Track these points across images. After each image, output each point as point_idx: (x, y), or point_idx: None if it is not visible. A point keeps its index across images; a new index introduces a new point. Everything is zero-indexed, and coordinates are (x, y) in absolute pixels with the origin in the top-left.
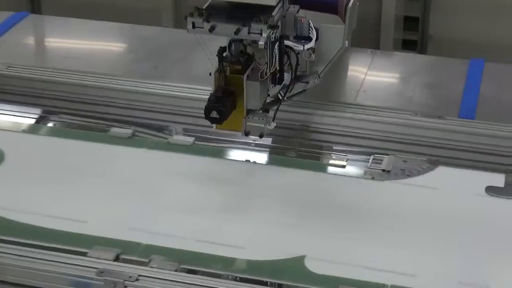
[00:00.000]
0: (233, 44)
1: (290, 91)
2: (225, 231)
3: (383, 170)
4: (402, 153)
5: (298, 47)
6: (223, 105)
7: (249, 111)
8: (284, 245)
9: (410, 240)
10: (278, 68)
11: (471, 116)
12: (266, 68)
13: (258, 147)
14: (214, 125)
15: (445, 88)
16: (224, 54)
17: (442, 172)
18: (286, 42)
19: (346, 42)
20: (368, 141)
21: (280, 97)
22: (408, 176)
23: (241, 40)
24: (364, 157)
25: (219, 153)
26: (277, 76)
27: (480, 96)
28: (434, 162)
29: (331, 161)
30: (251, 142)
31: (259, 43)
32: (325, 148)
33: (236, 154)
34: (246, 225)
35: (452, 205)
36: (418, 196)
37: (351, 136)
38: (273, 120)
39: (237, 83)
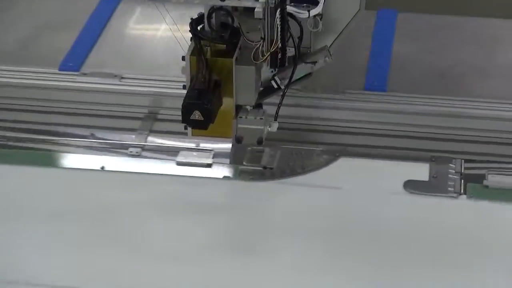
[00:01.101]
0: (213, 14)
1: (289, 77)
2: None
3: (264, 167)
4: (292, 143)
5: (302, 13)
6: (208, 102)
7: (240, 109)
8: None
9: (300, 260)
10: (280, 45)
11: (381, 88)
12: (262, 46)
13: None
14: (189, 131)
15: (346, 51)
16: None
17: (346, 165)
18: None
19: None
20: None
21: (276, 85)
22: (300, 173)
23: (221, 7)
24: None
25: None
26: (279, 57)
27: (392, 59)
28: (334, 153)
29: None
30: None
31: (255, 10)
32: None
33: (214, 170)
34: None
35: (358, 210)
36: (312, 200)
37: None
38: (275, 120)
39: (223, 69)
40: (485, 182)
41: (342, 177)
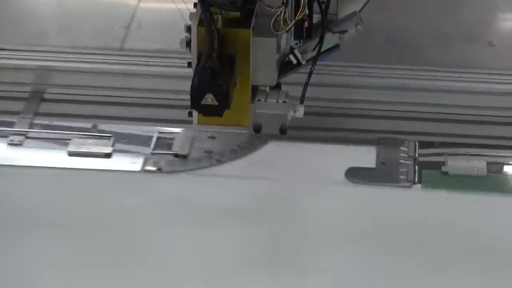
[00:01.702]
0: None
1: (314, 50)
2: None
3: (176, 155)
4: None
5: None
6: (224, 82)
7: (256, 90)
8: None
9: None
10: (308, 11)
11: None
12: (283, 13)
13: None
14: (194, 118)
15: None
16: None
17: (275, 151)
18: None
19: None
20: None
21: (296, 61)
22: (219, 161)
23: None
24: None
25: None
26: (305, 26)
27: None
28: (261, 136)
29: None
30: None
31: None
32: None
33: (114, 161)
34: None
35: (290, 205)
36: (233, 195)
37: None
38: (301, 103)
39: (238, 42)
40: (443, 168)
41: (270, 166)
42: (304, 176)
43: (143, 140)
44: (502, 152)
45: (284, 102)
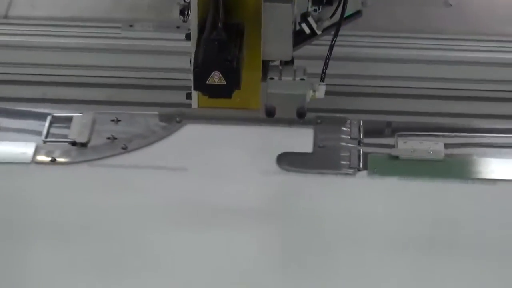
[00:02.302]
0: None
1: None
2: None
3: (73, 143)
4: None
5: None
6: (233, 57)
7: (268, 67)
8: None
9: None
10: None
11: None
12: None
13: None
14: (194, 99)
15: None
16: None
17: (193, 135)
18: None
19: None
20: None
21: (309, 30)
22: (124, 149)
23: None
24: None
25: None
26: None
27: None
28: (174, 117)
29: None
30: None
31: None
32: None
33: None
34: None
35: (212, 199)
36: (134, 192)
37: None
38: (321, 80)
39: (246, 9)
40: (393, 152)
41: (185, 153)
42: (227, 164)
43: (34, 126)
44: (461, 133)
45: (302, 79)
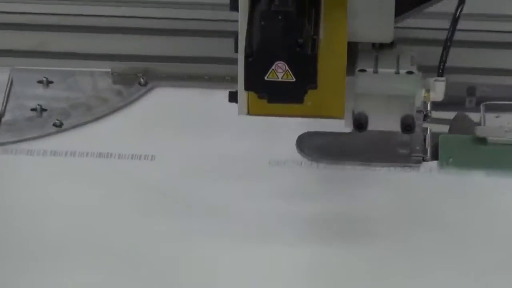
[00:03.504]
0: None
1: None
2: None
3: None
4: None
5: None
6: (306, 40)
7: (357, 52)
8: None
9: None
10: None
11: None
12: None
13: None
14: (241, 103)
15: None
16: None
17: (162, 105)
18: None
19: None
20: None
21: None
22: (58, 126)
23: None
24: None
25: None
26: None
27: None
28: (137, 78)
29: None
30: None
31: None
32: None
33: None
34: None
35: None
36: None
37: None
38: (439, 74)
39: None
40: (478, 132)
41: (155, 133)
42: (219, 151)
43: None
44: None
45: (409, 73)
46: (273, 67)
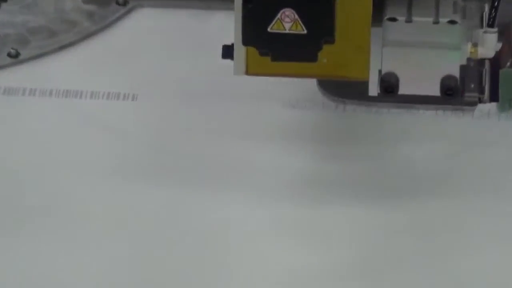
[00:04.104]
0: None
1: None
2: None
3: None
4: None
5: None
6: None
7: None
8: None
9: None
10: None
11: None
12: None
13: None
14: (238, 62)
15: None
16: None
17: (146, 30)
18: None
19: None
20: None
21: None
22: (13, 56)
23: None
24: None
25: None
26: None
27: None
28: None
29: None
30: None
31: None
32: None
33: None
34: None
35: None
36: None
37: None
38: (489, 24)
39: None
40: None
41: (137, 66)
42: (216, 87)
43: None
44: None
45: (452, 22)
46: (278, 15)
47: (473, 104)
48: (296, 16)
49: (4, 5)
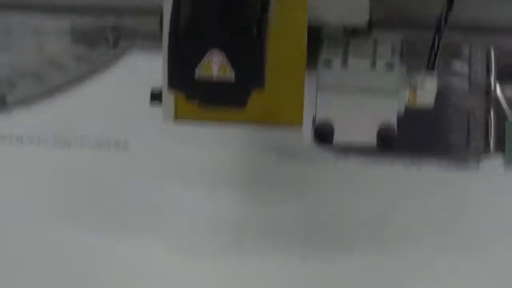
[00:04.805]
0: None
1: None
2: None
3: None
4: None
5: None
6: (251, 19)
7: (321, 39)
8: None
9: None
10: None
11: None
12: None
13: None
14: (166, 108)
15: None
16: None
17: (139, 76)
18: None
19: None
20: None
21: None
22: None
23: None
24: None
25: None
26: None
27: None
28: (99, 35)
29: None
30: None
31: None
32: None
33: None
34: None
35: None
36: None
37: None
38: (430, 67)
39: None
40: None
41: (130, 115)
42: (210, 145)
43: None
44: None
45: (390, 66)
46: (205, 57)
47: (478, 156)
48: (225, 59)
49: None
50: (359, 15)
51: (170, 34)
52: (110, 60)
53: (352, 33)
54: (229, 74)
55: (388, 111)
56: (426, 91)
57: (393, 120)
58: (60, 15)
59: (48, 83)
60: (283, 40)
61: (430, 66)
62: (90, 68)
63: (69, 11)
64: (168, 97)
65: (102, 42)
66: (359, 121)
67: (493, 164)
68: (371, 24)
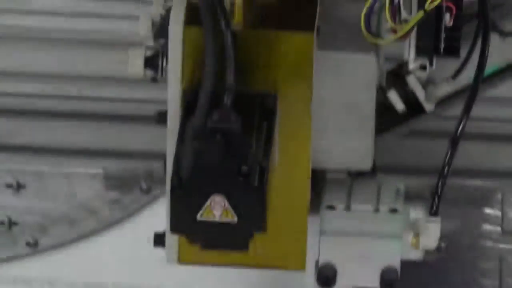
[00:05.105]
0: None
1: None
2: None
3: None
4: None
5: None
6: (252, 165)
7: (324, 182)
8: None
9: None
10: None
11: None
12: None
13: None
14: (173, 249)
15: None
16: None
17: None
18: None
19: None
20: None
21: (409, 106)
22: (31, 245)
23: None
24: None
25: None
26: (446, 23)
27: None
28: (131, 181)
29: None
30: None
31: None
32: None
33: None
34: None
35: None
36: None
37: None
38: (433, 213)
39: (282, 65)
40: None
41: (161, 259)
42: None
43: None
44: None
45: (393, 211)
46: (208, 202)
47: None
48: (227, 204)
49: (22, 190)
50: (363, 161)
51: (172, 179)
52: (143, 205)
53: (356, 175)
54: (232, 218)
55: (391, 255)
56: (429, 236)
57: (396, 264)
58: (94, 161)
59: (81, 229)
60: (286, 184)
61: (433, 212)
62: (123, 214)
63: (102, 155)
64: (171, 240)
65: (135, 187)
66: (362, 264)
67: None
68: (375, 168)
